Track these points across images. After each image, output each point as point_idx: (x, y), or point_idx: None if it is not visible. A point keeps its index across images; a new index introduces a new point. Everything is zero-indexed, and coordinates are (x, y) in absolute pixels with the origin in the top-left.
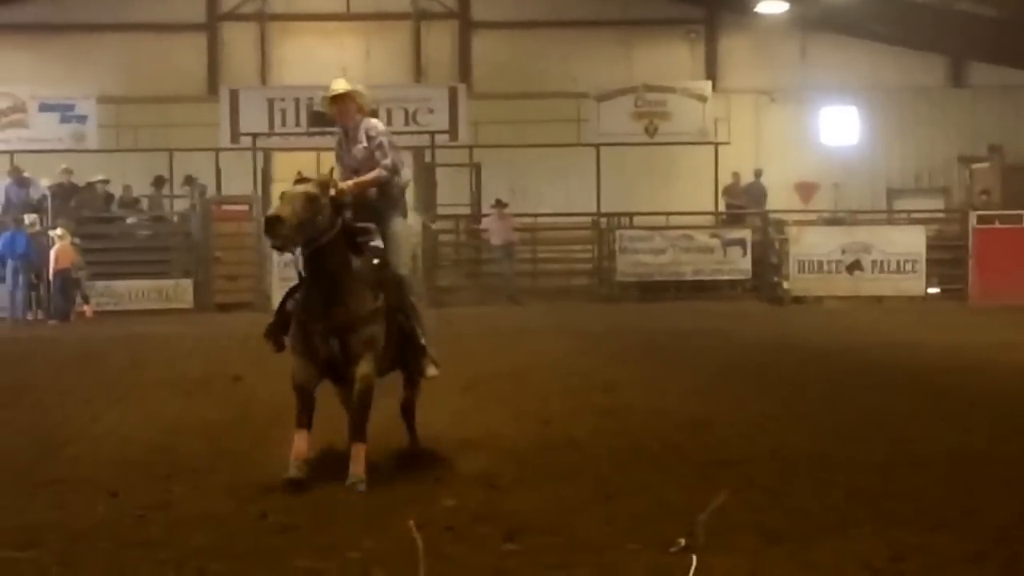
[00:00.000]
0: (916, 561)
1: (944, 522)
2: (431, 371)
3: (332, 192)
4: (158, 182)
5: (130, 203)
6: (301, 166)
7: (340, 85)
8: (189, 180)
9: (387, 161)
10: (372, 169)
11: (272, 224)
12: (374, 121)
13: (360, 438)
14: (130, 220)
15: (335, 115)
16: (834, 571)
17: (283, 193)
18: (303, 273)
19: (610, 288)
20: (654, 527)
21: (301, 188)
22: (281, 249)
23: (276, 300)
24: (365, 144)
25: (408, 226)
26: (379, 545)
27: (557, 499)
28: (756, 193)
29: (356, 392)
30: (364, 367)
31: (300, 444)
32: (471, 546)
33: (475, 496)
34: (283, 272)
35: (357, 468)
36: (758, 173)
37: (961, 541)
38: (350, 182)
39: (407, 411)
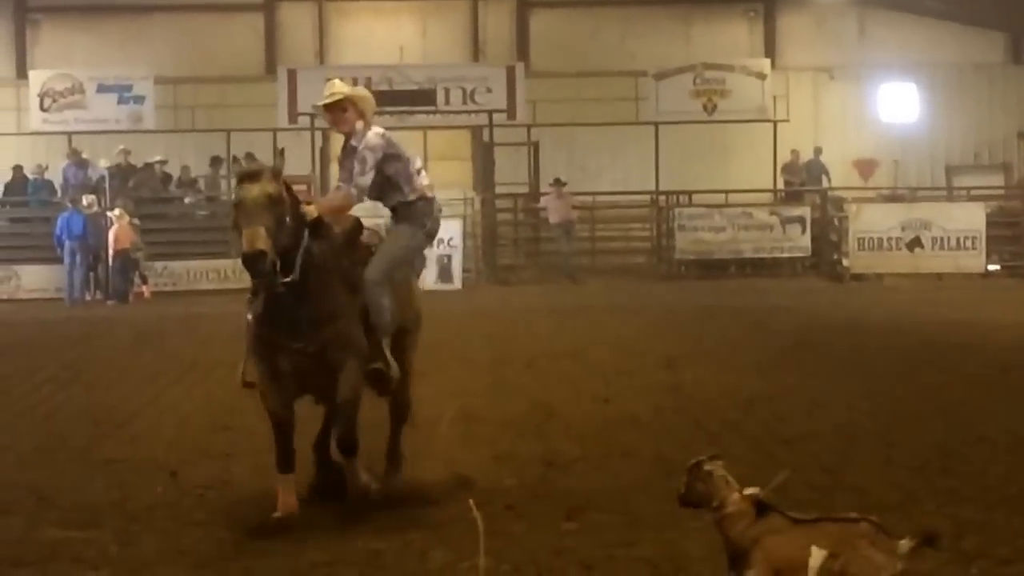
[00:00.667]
0: (977, 538)
1: (1005, 499)
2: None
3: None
4: (215, 162)
5: (188, 183)
6: None
7: (336, 88)
8: (250, 158)
9: (362, 179)
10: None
11: (255, 261)
12: (370, 132)
13: (352, 451)
14: (187, 200)
15: (329, 122)
16: None
17: (241, 201)
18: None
19: (669, 266)
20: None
21: (259, 191)
22: (266, 282)
23: None
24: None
25: (413, 236)
26: (439, 525)
27: (617, 477)
28: (815, 170)
29: (341, 405)
30: (348, 379)
31: (287, 497)
32: (530, 524)
33: (535, 474)
34: None
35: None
36: (818, 151)
37: (1021, 517)
38: (314, 205)
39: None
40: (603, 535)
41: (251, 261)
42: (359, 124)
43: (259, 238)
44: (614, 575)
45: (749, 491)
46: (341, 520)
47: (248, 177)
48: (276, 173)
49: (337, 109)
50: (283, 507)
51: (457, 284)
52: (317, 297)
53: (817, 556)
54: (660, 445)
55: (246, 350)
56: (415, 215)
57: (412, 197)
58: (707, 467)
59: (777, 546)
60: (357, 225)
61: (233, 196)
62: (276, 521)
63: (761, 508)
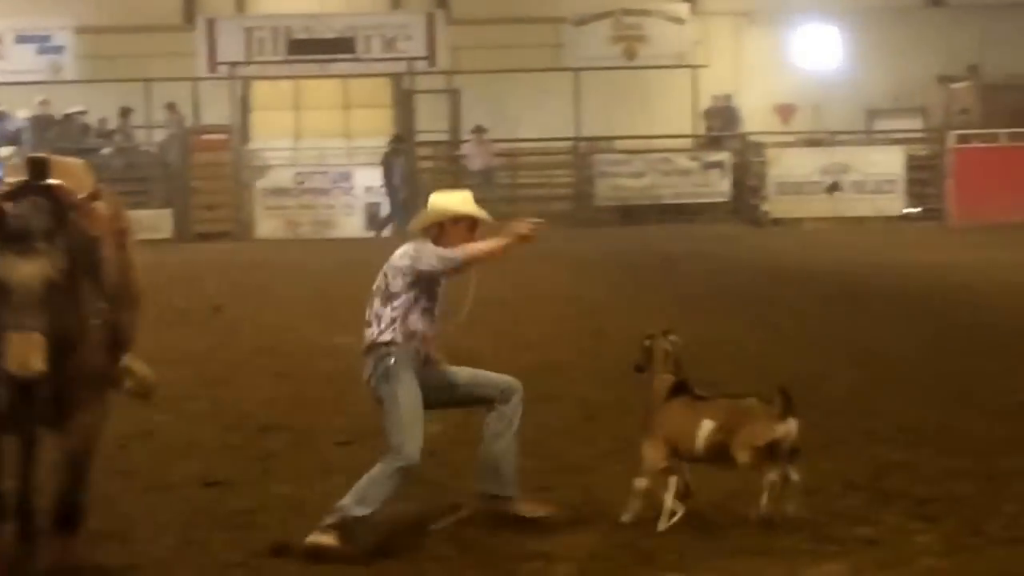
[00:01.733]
0: (897, 477)
1: (925, 439)
2: None
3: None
4: (124, 112)
5: (105, 134)
6: (280, 95)
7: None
8: (170, 108)
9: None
10: None
11: (31, 389)
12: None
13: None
14: (105, 151)
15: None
16: (816, 489)
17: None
18: None
19: (590, 213)
20: (636, 448)
21: (35, 272)
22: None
23: (258, 229)
24: None
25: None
26: (362, 470)
27: (540, 422)
28: (729, 116)
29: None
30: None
31: None
32: (453, 471)
33: (456, 421)
34: (265, 201)
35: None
36: (727, 97)
37: (941, 457)
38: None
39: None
40: (526, 480)
41: (26, 387)
42: None
43: (32, 358)
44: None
45: (669, 376)
46: (260, 465)
47: (19, 243)
48: (65, 232)
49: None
50: None
51: (386, 231)
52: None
53: (705, 427)
54: (582, 390)
55: None
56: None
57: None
58: (654, 341)
59: (675, 418)
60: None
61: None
62: None
63: (679, 387)
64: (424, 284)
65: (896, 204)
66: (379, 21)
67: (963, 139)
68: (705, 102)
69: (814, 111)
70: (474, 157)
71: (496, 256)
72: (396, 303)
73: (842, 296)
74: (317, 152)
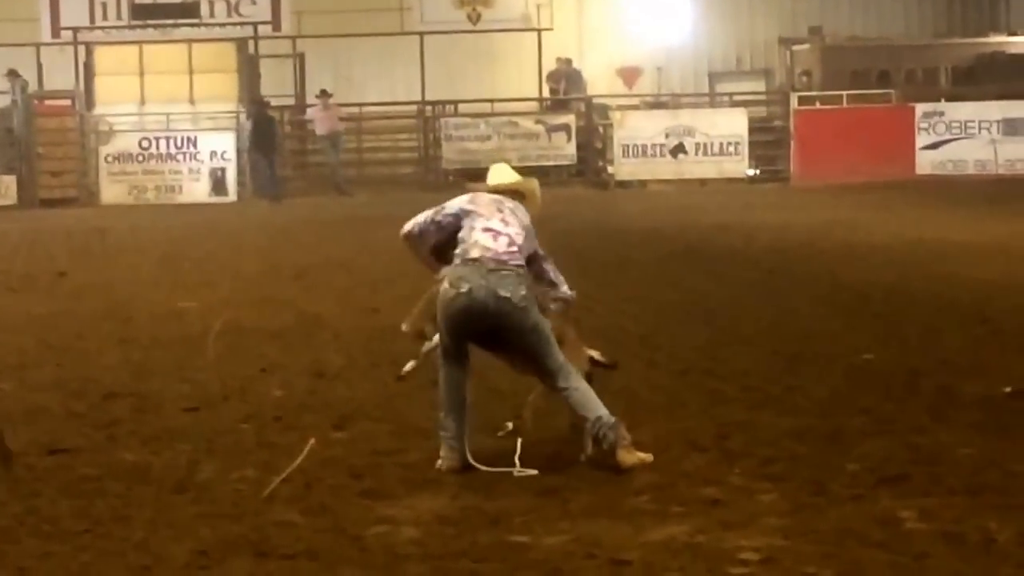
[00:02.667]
0: (740, 438)
1: (768, 400)
2: None
3: None
4: None
5: None
6: (124, 60)
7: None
8: (12, 75)
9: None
10: None
11: None
12: None
13: None
14: None
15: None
16: (661, 451)
17: None
18: None
19: (436, 176)
20: (483, 411)
21: None
22: None
23: (103, 195)
24: None
25: None
26: (208, 437)
27: (385, 386)
28: (574, 79)
29: None
30: None
31: None
32: (299, 435)
33: (303, 385)
34: (110, 167)
35: None
36: (569, 60)
37: (784, 417)
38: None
39: None
40: (371, 443)
41: None
42: None
43: None
44: (382, 482)
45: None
46: (105, 432)
47: None
48: None
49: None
50: None
51: (232, 197)
52: None
53: None
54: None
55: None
56: None
57: None
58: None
59: None
60: None
61: None
62: None
63: None
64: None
65: (740, 166)
66: None
67: (805, 101)
68: (550, 65)
69: (658, 74)
70: (320, 121)
71: None
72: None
73: (687, 257)
74: (162, 117)
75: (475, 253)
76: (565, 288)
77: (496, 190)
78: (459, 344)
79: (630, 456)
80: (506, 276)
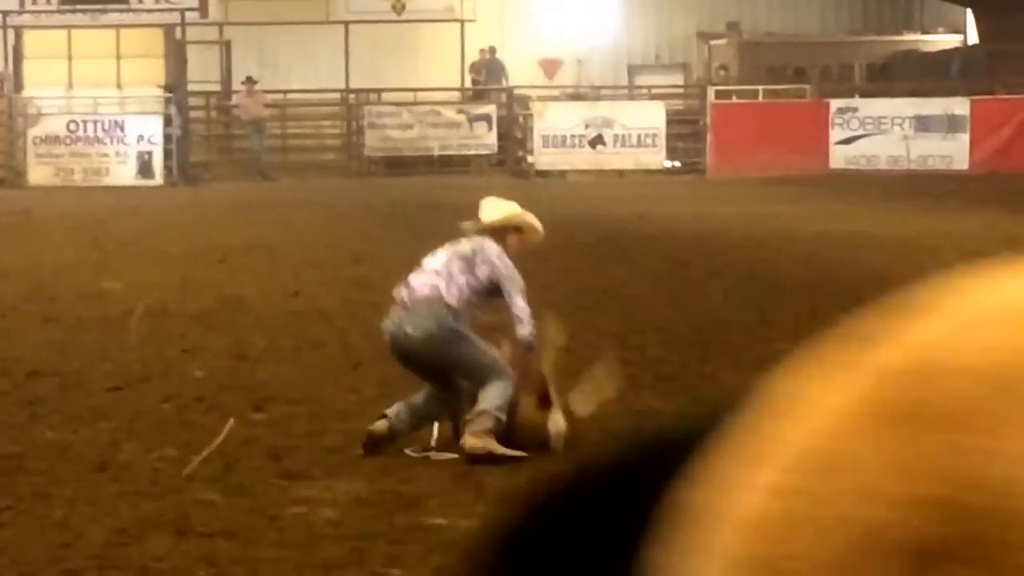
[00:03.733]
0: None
1: (681, 387)
2: None
3: None
4: None
5: None
6: (53, 44)
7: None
8: None
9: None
10: None
11: None
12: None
13: None
14: None
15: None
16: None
17: None
18: None
19: (359, 163)
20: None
21: None
22: None
23: (30, 177)
24: None
25: None
26: (130, 416)
27: (305, 369)
28: (495, 69)
29: None
30: None
31: None
32: (220, 416)
33: (224, 367)
34: (37, 149)
35: None
36: (492, 50)
37: (698, 405)
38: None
39: None
40: (291, 425)
41: None
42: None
43: None
44: (301, 464)
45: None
46: (28, 410)
47: None
48: None
49: None
50: None
51: (159, 180)
52: None
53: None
54: (347, 337)
55: None
56: None
57: None
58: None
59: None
60: None
61: None
62: None
63: None
64: (489, 291)
65: (657, 157)
66: None
67: (722, 95)
68: (472, 56)
69: (578, 66)
70: (245, 108)
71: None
72: (472, 282)
73: (604, 246)
74: (90, 101)
75: (398, 293)
76: (525, 329)
77: (484, 230)
78: (416, 374)
79: (476, 441)
80: (416, 314)
